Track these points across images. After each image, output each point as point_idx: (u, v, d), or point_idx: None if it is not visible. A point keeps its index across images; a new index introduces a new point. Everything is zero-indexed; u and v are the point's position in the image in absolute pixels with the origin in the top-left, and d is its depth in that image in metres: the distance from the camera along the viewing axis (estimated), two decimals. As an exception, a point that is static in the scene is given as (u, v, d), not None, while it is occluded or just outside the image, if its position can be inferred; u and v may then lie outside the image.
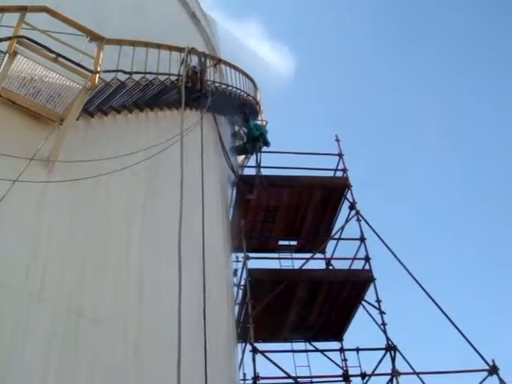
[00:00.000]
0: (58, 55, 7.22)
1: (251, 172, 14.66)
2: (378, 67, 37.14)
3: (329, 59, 37.26)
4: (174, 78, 10.44)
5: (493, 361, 11.73)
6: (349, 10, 37.59)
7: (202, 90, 11.03)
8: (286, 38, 39.03)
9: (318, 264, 16.22)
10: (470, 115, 35.64)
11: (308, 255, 14.46)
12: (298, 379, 12.66)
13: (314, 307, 14.00)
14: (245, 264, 13.23)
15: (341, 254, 15.20)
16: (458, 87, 36.55)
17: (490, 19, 34.83)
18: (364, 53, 37.90)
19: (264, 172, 14.20)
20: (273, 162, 14.76)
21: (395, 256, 13.12)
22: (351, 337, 15.12)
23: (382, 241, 13.44)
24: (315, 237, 15.57)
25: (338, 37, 40.40)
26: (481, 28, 35.10)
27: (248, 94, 14.05)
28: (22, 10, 7.33)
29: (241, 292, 13.99)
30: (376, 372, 13.28)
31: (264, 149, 14.40)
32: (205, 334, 7.68)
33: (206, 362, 7.38)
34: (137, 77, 9.42)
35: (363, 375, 13.80)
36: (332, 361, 14.76)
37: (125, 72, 9.06)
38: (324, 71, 36.07)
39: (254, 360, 11.43)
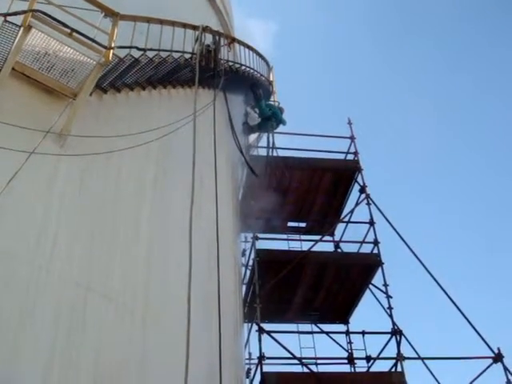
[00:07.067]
0: (73, 30, 7.20)
1: (263, 152, 14.65)
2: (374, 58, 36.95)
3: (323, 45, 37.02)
4: (187, 56, 10.39)
5: (498, 349, 11.73)
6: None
7: (215, 69, 10.99)
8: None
9: (326, 246, 16.24)
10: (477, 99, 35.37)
11: (317, 237, 14.43)
12: (303, 360, 12.70)
13: (321, 289, 14.03)
14: (253, 244, 13.26)
15: (350, 237, 15.21)
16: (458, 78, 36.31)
17: (489, 17, 34.56)
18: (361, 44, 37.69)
19: (275, 153, 14.18)
20: (284, 144, 14.75)
21: (403, 240, 13.13)
22: (357, 320, 15.19)
23: (391, 225, 13.44)
24: (324, 219, 15.57)
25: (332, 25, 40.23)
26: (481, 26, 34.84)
27: (261, 74, 13.97)
28: (38, -17, 7.30)
29: (248, 272, 14.05)
30: (381, 356, 13.33)
31: (275, 130, 14.35)
32: (219, 315, 7.75)
33: (220, 343, 7.47)
34: (151, 54, 9.38)
35: (368, 358, 13.84)
36: (337, 343, 14.85)
37: (139, 48, 9.01)
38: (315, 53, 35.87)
39: (259, 340, 11.49)
